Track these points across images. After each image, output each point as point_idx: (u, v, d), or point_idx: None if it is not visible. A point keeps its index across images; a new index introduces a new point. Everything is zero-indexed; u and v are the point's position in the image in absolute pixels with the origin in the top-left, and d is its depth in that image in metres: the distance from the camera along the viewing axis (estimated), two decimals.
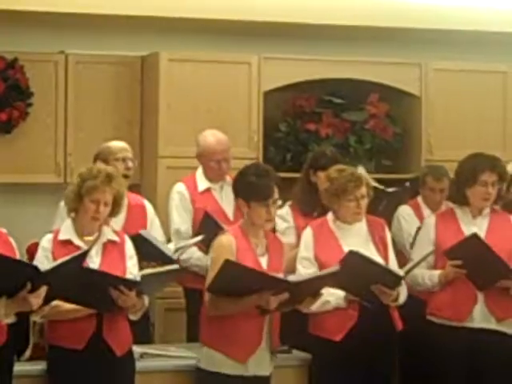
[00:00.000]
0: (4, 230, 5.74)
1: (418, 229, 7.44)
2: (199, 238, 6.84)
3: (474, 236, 6.21)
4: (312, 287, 5.89)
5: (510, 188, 7.20)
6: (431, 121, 9.03)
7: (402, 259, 6.77)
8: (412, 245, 7.35)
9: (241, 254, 5.82)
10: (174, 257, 6.57)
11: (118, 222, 6.45)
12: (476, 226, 6.43)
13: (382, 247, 6.33)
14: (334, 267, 5.86)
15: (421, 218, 7.70)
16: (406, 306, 6.35)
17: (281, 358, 6.15)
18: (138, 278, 5.72)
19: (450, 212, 6.61)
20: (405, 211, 7.94)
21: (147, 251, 6.47)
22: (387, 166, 8.99)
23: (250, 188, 5.89)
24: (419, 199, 8.02)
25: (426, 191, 7.95)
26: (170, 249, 6.73)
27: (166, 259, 6.45)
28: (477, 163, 6.47)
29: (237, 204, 6.10)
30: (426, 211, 7.83)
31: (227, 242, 5.88)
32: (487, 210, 6.48)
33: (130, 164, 7.18)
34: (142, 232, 6.76)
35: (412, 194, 8.28)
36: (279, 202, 6.02)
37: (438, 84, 9.06)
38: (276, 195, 5.91)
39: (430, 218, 6.82)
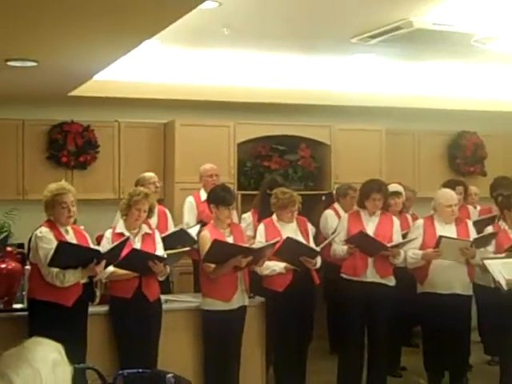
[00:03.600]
0: (82, 227, 5.82)
1: None
2: (197, 227, 6.81)
3: (361, 232, 6.27)
4: (265, 252, 5.99)
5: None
6: (337, 160, 8.98)
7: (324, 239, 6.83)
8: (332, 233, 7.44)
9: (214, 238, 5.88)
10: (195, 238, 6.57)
11: (153, 221, 6.49)
12: (371, 221, 6.44)
13: (305, 234, 6.39)
14: (275, 240, 6.01)
15: (339, 217, 7.56)
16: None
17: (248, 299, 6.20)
18: (165, 255, 5.80)
19: (357, 212, 6.59)
20: (329, 213, 7.89)
21: (182, 237, 6.59)
22: (311, 186, 8.94)
23: (219, 198, 6.00)
24: (336, 206, 7.91)
25: (347, 200, 7.77)
26: (193, 233, 6.67)
27: (193, 241, 6.49)
28: (370, 186, 6.48)
29: (209, 208, 6.12)
30: (341, 212, 7.67)
31: (205, 235, 5.99)
32: (379, 212, 6.47)
33: (158, 185, 7.27)
34: (183, 227, 6.92)
35: (327, 202, 8.34)
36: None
37: (340, 138, 9.01)
38: (234, 203, 6.12)
39: (344, 216, 6.79)
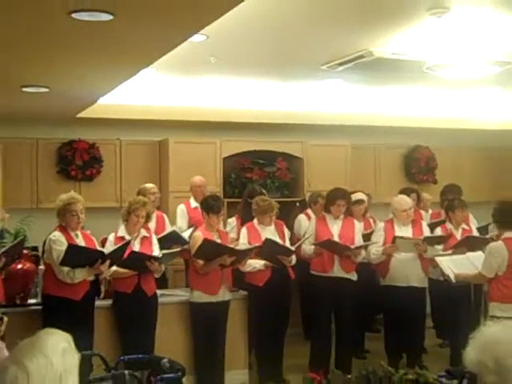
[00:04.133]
0: (89, 231, 5.81)
1: None
2: (190, 230, 6.77)
3: (329, 239, 6.31)
4: (247, 254, 6.01)
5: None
6: (309, 171, 8.96)
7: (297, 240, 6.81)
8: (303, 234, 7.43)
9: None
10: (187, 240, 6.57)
11: (152, 225, 6.52)
12: (336, 224, 6.45)
13: (282, 236, 6.39)
14: (254, 245, 6.04)
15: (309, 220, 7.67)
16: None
17: (231, 294, 6.19)
18: (160, 255, 5.79)
19: (323, 217, 6.57)
20: (302, 217, 7.87)
21: (175, 238, 6.55)
22: (287, 194, 8.92)
23: (210, 206, 6.00)
24: (309, 211, 7.88)
25: (317, 207, 7.67)
26: (186, 236, 6.66)
27: (185, 242, 6.48)
28: (335, 194, 6.49)
29: (202, 214, 6.13)
30: (313, 217, 7.59)
31: (198, 234, 5.97)
32: (342, 216, 6.47)
33: (157, 196, 7.26)
34: (175, 229, 6.89)
35: (301, 208, 8.31)
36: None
37: (312, 152, 9.01)
38: (223, 211, 6.08)
39: (313, 220, 6.76)
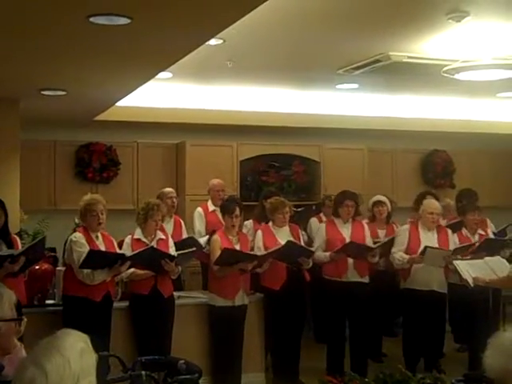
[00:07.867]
0: (106, 233, 5.83)
1: None
2: (207, 237, 6.76)
3: (350, 242, 6.29)
4: (266, 258, 6.03)
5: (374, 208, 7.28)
6: (325, 174, 8.97)
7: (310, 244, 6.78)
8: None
9: (223, 244, 5.93)
10: (204, 246, 6.57)
11: (169, 230, 6.53)
12: (345, 227, 6.45)
13: (297, 239, 6.35)
14: (276, 247, 6.02)
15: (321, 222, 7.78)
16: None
17: (249, 298, 6.20)
18: (175, 255, 5.80)
19: (332, 221, 6.57)
20: (313, 220, 7.84)
21: (192, 245, 6.45)
22: (303, 197, 8.90)
23: (224, 207, 6.11)
24: (322, 214, 7.93)
25: (325, 209, 7.88)
26: (202, 242, 6.67)
27: (201, 248, 6.48)
28: (342, 195, 6.51)
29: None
30: (324, 219, 7.74)
31: (216, 238, 6.02)
32: (350, 220, 6.47)
33: (175, 200, 7.27)
34: (193, 235, 6.88)
35: (316, 211, 8.29)
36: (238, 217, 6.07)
37: (329, 155, 9.02)
38: (237, 212, 6.01)
39: (322, 224, 6.77)
